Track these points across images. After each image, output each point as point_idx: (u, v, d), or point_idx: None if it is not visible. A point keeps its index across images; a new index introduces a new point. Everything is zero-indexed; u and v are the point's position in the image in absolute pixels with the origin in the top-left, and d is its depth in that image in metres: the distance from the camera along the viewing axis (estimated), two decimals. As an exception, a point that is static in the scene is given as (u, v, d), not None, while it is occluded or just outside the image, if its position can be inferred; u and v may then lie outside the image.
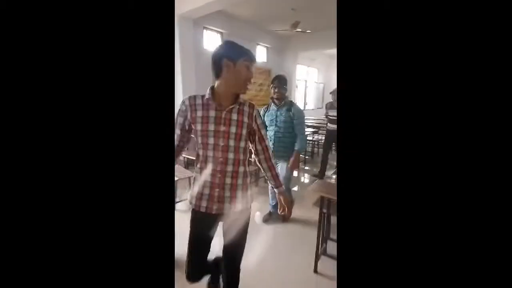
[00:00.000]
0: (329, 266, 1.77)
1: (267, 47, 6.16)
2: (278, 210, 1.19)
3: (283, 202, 1.16)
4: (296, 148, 2.09)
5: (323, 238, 1.84)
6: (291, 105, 2.14)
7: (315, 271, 1.73)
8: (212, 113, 0.97)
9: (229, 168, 1.00)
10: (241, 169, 1.04)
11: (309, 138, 5.09)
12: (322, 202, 1.66)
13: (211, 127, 0.97)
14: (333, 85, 9.46)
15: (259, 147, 1.11)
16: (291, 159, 2.10)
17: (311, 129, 5.11)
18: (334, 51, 8.08)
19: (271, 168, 1.14)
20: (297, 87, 7.48)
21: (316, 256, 1.74)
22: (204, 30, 4.56)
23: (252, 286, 1.58)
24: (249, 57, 0.97)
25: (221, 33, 4.88)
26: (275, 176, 1.15)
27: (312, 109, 8.86)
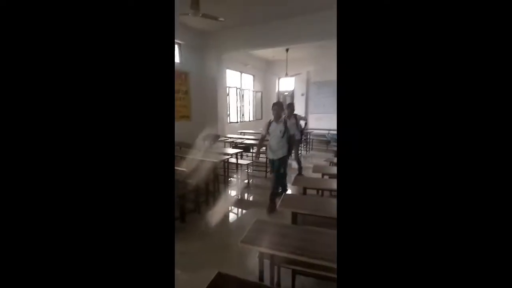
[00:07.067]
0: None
1: (178, 43, 4.80)
2: None
3: None
4: None
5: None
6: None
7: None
8: None
9: None
10: None
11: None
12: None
13: None
14: (273, 96, 8.58)
15: None
16: None
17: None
18: (268, 54, 7.11)
19: None
20: (228, 95, 6.26)
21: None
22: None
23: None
24: None
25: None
26: None
27: (250, 121, 7.72)
